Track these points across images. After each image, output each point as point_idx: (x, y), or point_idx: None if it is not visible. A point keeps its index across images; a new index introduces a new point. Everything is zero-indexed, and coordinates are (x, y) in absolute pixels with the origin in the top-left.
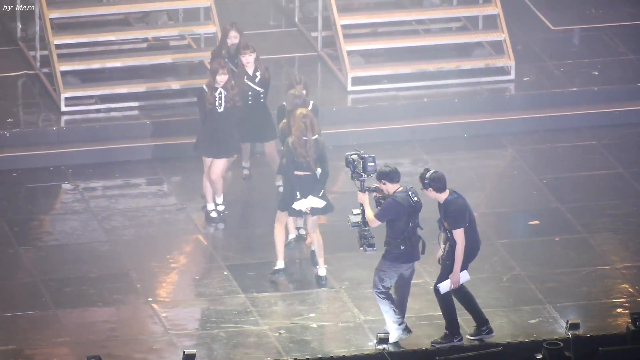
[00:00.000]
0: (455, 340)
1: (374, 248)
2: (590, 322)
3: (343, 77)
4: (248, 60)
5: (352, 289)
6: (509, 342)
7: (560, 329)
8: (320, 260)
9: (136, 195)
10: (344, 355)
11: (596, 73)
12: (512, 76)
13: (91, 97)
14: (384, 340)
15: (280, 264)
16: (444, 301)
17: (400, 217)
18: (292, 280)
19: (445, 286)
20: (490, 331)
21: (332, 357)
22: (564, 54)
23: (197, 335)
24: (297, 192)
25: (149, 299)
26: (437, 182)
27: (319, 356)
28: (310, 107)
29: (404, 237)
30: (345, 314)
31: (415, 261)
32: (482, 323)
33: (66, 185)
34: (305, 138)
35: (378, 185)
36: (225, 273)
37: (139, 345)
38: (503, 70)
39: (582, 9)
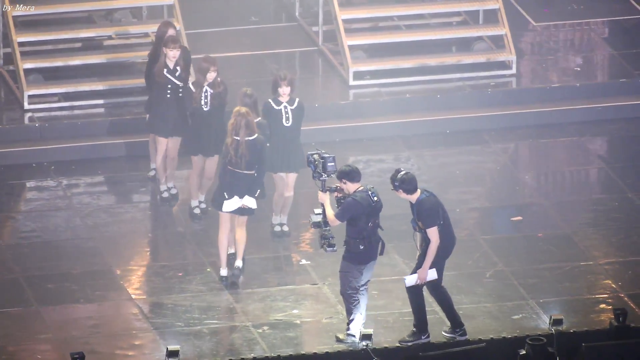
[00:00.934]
0: (422, 338)
1: (334, 248)
2: (573, 318)
3: (345, 71)
4: (175, 55)
5: (334, 285)
6: (492, 338)
7: (544, 324)
8: (240, 253)
9: (119, 191)
10: (327, 352)
11: (578, 69)
12: (513, 70)
13: (55, 94)
14: (367, 336)
15: (223, 271)
16: (415, 298)
17: (359, 216)
18: (275, 276)
19: (411, 280)
20: (464, 334)
21: (315, 353)
22: (546, 50)
23: (181, 332)
24: (225, 193)
25: (132, 296)
26: (407, 184)
27: (303, 352)
28: (295, 105)
29: (363, 236)
30: (328, 310)
31: (374, 260)
32: (457, 325)
33: (49, 182)
34: (236, 138)
35: (339, 185)
36: (208, 270)
37: (122, 341)
38: (504, 65)
39: (564, 4)
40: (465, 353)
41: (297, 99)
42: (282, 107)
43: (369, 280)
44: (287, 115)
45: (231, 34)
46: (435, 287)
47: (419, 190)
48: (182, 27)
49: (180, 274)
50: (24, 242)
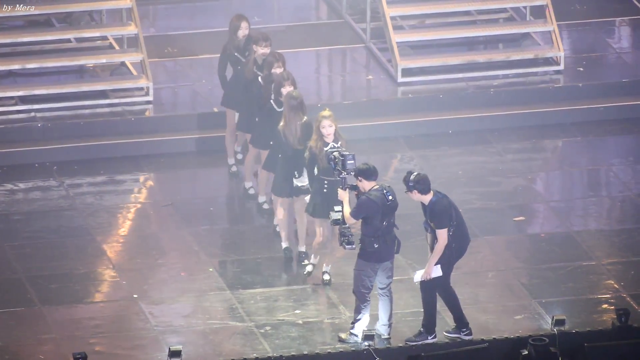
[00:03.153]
0: (429, 339)
1: (353, 246)
2: (576, 318)
3: (393, 68)
4: (265, 53)
5: (337, 285)
6: (494, 338)
7: (546, 325)
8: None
9: (121, 191)
10: (329, 352)
11: (581, 69)
12: (561, 67)
13: (12, 98)
14: (369, 337)
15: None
16: (428, 299)
17: (374, 215)
18: (278, 277)
19: (417, 276)
20: (469, 334)
21: (318, 353)
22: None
23: (183, 332)
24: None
25: (135, 296)
26: (421, 184)
27: (305, 352)
28: None
29: (378, 235)
30: (331, 310)
31: (389, 260)
32: (463, 325)
33: (51, 182)
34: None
35: (356, 183)
36: (210, 269)
37: (124, 341)
38: (550, 61)
39: (568, 4)
40: (467, 353)
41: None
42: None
43: (391, 282)
44: None
45: (277, 30)
46: (444, 287)
47: (432, 192)
48: (139, 31)
49: (183, 274)
50: (27, 243)
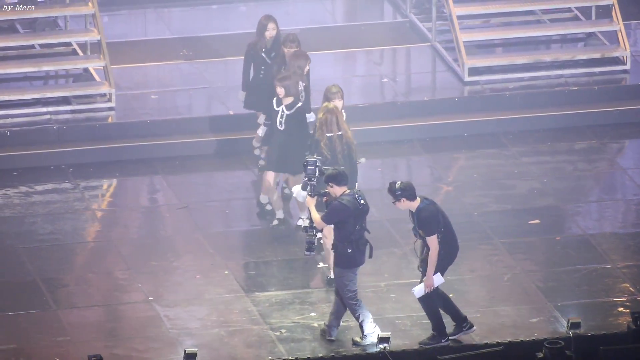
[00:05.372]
0: (443, 341)
1: (312, 253)
2: (591, 321)
3: (460, 68)
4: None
5: None
6: (509, 341)
7: (561, 328)
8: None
9: (136, 194)
10: (345, 355)
11: (596, 71)
12: (627, 66)
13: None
14: (384, 339)
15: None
16: (427, 304)
17: (346, 220)
18: (293, 279)
19: (419, 290)
20: (471, 326)
21: (333, 356)
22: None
23: (198, 335)
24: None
25: (150, 298)
26: (408, 191)
27: (320, 355)
28: (292, 111)
29: (351, 240)
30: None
31: (360, 265)
32: (461, 320)
33: (66, 184)
34: (329, 134)
35: (326, 189)
36: (226, 272)
37: (140, 344)
38: (617, 61)
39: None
40: (482, 356)
41: (297, 106)
42: (280, 108)
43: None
44: (281, 120)
45: (340, 30)
46: (433, 291)
47: (418, 198)
48: (102, 37)
49: (199, 277)
50: (42, 245)
